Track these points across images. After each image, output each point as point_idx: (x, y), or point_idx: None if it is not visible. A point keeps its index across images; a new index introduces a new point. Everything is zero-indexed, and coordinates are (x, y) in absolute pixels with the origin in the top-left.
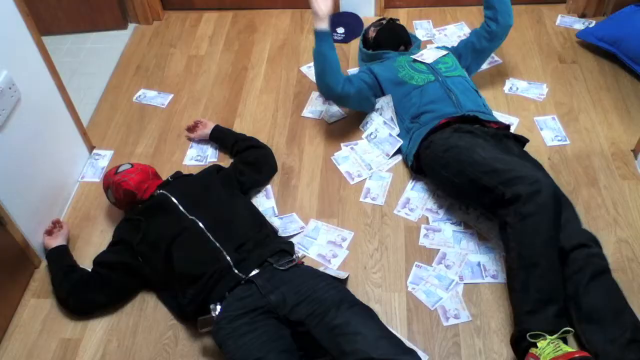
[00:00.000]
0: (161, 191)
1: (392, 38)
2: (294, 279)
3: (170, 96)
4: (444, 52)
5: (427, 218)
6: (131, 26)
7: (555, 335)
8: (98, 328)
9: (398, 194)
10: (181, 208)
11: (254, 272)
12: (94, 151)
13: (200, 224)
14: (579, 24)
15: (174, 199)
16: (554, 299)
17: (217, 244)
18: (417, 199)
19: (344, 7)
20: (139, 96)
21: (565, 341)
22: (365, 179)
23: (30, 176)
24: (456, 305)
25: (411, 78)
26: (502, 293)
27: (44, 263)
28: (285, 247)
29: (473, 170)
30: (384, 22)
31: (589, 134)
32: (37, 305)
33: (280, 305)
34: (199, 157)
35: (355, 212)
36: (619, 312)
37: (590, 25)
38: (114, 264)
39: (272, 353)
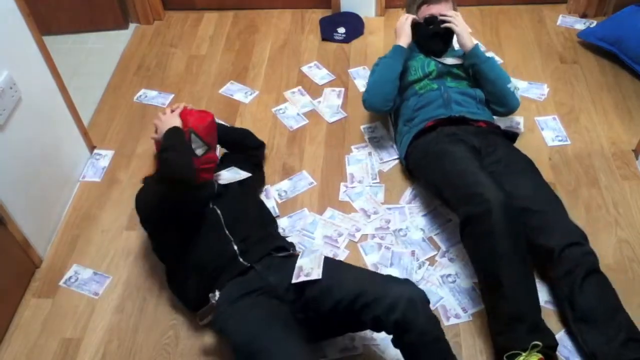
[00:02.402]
0: (212, 181)
1: (427, 45)
2: (292, 267)
3: (171, 96)
4: (460, 61)
5: (427, 217)
6: (132, 26)
7: (526, 353)
8: (99, 328)
9: (399, 193)
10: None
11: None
12: (95, 151)
13: (219, 212)
14: (580, 24)
15: (215, 188)
16: (522, 317)
17: (229, 234)
18: (418, 198)
19: (345, 7)
20: (140, 96)
21: (553, 351)
22: (366, 186)
23: (31, 176)
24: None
25: (417, 82)
26: None
27: (44, 262)
28: (286, 245)
29: (439, 183)
30: (433, 21)
31: (589, 134)
32: (38, 305)
33: (280, 285)
34: None
35: (354, 212)
36: (613, 311)
37: (591, 26)
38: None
39: (273, 328)
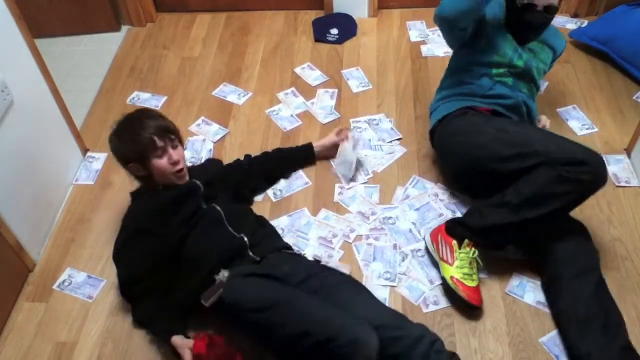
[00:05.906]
0: (193, 180)
1: (530, 31)
2: (300, 261)
3: (164, 98)
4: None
5: (422, 216)
6: (124, 28)
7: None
8: (93, 331)
9: (392, 193)
10: (202, 198)
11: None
12: (88, 154)
13: (219, 209)
14: (571, 24)
15: (201, 187)
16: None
17: (232, 230)
18: (412, 197)
19: (337, 8)
20: (133, 98)
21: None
22: (360, 184)
23: (23, 179)
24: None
25: (497, 66)
26: (497, 292)
27: (38, 266)
28: (288, 245)
29: (496, 137)
30: (548, 8)
31: (582, 133)
32: (32, 309)
33: (291, 275)
34: (194, 158)
35: (348, 213)
36: (619, 319)
37: (583, 25)
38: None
39: (290, 291)
